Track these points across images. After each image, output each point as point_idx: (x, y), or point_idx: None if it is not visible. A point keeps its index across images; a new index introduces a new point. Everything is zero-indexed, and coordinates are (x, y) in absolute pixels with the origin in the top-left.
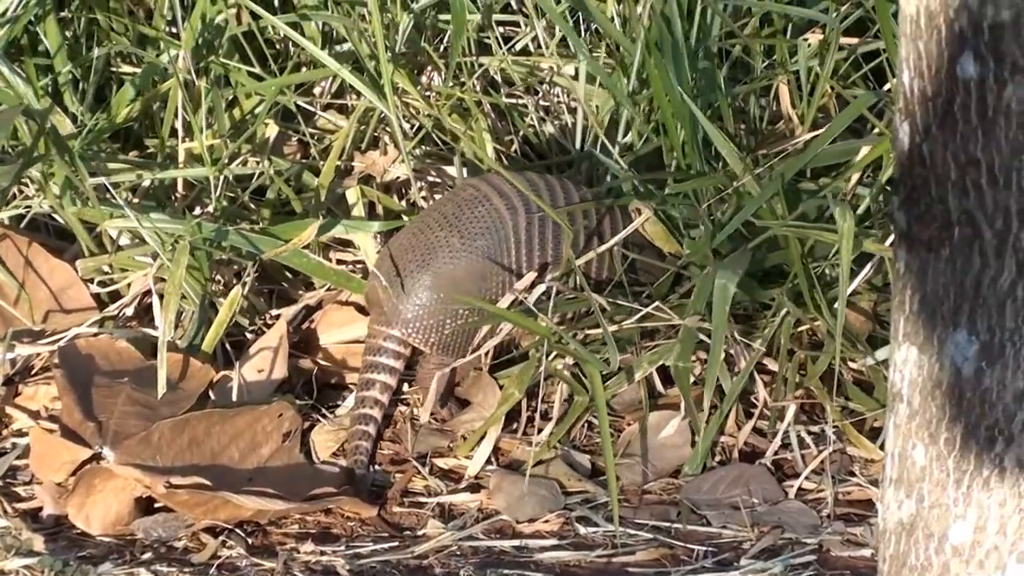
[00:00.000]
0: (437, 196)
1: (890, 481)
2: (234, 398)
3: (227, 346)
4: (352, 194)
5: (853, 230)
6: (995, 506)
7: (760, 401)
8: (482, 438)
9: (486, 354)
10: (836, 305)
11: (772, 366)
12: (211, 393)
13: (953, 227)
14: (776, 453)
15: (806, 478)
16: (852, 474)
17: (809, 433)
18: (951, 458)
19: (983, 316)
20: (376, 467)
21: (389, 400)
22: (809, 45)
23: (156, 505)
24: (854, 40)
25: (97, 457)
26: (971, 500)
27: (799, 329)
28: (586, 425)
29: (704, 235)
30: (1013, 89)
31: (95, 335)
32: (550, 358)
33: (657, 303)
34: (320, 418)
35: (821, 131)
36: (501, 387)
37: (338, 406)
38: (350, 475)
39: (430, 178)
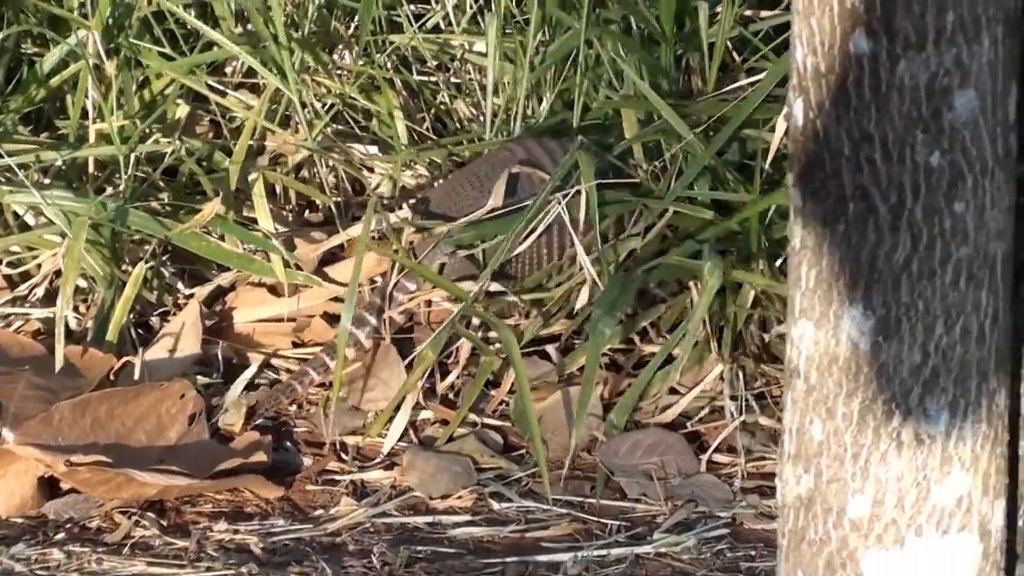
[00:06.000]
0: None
1: (788, 456)
2: (136, 377)
3: (131, 332)
4: (255, 182)
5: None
6: (893, 480)
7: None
8: (396, 410)
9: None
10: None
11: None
12: (111, 377)
13: (848, 202)
14: (697, 421)
15: (723, 450)
16: (767, 445)
17: (733, 399)
18: (848, 433)
19: (879, 291)
20: (292, 447)
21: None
22: (718, 18)
23: (64, 487)
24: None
25: None
26: (869, 474)
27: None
28: (502, 403)
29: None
30: (906, 65)
31: (5, 317)
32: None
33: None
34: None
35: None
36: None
37: (252, 387)
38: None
39: (334, 156)
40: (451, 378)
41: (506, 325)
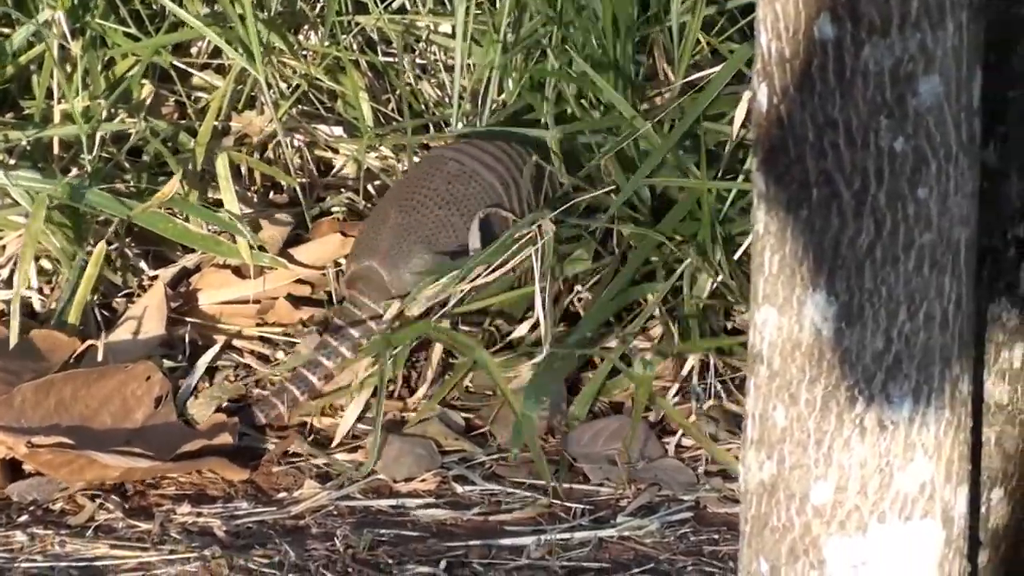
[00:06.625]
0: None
1: (751, 443)
2: (99, 359)
3: (96, 314)
4: (220, 163)
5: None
6: (856, 466)
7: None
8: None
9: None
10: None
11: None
12: (73, 360)
13: (811, 188)
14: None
15: (688, 433)
16: (732, 432)
17: (702, 384)
18: (811, 419)
19: (842, 277)
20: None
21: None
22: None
23: (28, 470)
24: None
25: None
26: (832, 461)
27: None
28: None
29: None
30: (870, 50)
31: None
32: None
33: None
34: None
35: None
36: None
37: (216, 369)
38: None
39: (299, 137)
40: (425, 388)
41: (479, 345)
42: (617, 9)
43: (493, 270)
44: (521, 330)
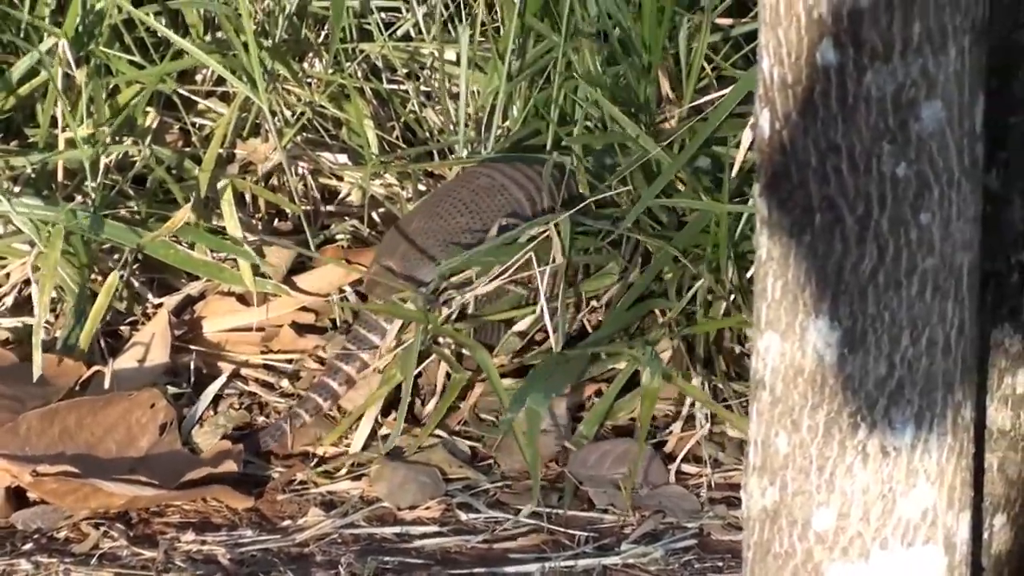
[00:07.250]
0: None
1: (753, 469)
2: (106, 387)
3: (100, 341)
4: (225, 191)
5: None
6: (858, 493)
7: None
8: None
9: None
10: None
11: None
12: (78, 387)
13: (814, 213)
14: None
15: (691, 460)
16: (737, 458)
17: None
18: (814, 445)
19: (845, 302)
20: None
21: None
22: (690, 26)
23: (32, 498)
24: (736, 21)
25: None
26: (834, 487)
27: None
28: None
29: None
30: (872, 76)
31: None
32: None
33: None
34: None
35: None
36: None
37: (220, 397)
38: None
39: (303, 165)
40: (432, 403)
41: (480, 346)
42: (654, 36)
43: (505, 270)
44: (524, 324)
